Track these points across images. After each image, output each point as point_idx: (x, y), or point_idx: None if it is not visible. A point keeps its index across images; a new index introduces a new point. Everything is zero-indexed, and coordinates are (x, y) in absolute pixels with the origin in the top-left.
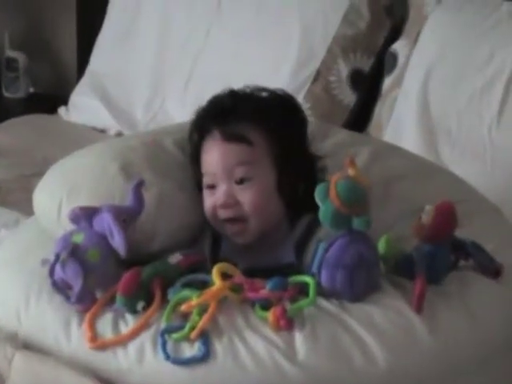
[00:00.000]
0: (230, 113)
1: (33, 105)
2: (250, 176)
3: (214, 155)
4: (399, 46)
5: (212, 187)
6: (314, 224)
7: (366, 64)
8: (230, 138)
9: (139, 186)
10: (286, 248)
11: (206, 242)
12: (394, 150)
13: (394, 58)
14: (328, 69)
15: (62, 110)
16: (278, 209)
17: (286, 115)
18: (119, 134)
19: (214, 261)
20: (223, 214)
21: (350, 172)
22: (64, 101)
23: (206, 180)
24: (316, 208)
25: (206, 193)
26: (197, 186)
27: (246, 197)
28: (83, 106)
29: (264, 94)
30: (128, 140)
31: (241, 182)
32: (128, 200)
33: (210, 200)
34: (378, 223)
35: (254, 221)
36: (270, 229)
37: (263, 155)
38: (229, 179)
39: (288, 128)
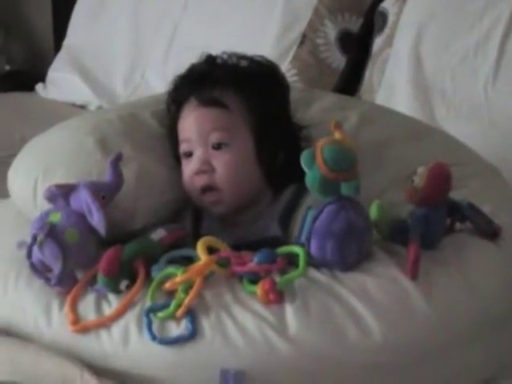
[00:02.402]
0: (207, 78)
1: (9, 83)
2: (226, 141)
3: (191, 120)
4: (389, 5)
5: (189, 155)
6: (300, 194)
7: (354, 24)
8: (206, 102)
9: (117, 160)
10: (270, 221)
11: (187, 219)
12: (385, 113)
13: (384, 17)
14: (315, 31)
15: (39, 87)
16: (255, 178)
17: (266, 82)
18: (99, 109)
19: (196, 239)
20: (198, 181)
21: (336, 136)
22: (41, 77)
23: (182, 148)
24: (302, 178)
25: (183, 162)
26: (176, 159)
27: (220, 164)
28: (61, 82)
29: (243, 61)
30: (104, 113)
31: (218, 147)
32: (106, 176)
33: (187, 168)
34: (370, 189)
35: (228, 189)
36: (249, 200)
37: (241, 121)
38: (205, 144)
39: (267, 94)
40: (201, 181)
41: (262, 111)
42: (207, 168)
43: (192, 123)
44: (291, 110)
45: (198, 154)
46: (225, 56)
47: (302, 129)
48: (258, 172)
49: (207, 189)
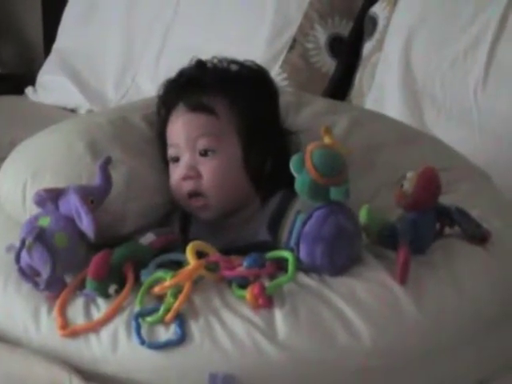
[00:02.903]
0: (196, 83)
1: None
2: (213, 148)
3: (178, 125)
4: (379, 9)
5: (176, 160)
6: (289, 199)
7: (344, 29)
8: (194, 107)
9: (106, 164)
10: (259, 226)
11: (175, 224)
12: (375, 117)
13: (374, 21)
14: (305, 35)
15: (29, 91)
16: (242, 185)
17: (255, 87)
18: (89, 113)
19: (185, 243)
20: (185, 186)
21: (326, 140)
22: (31, 81)
23: (170, 152)
24: (291, 184)
25: (171, 167)
26: (164, 162)
27: (207, 170)
28: (51, 86)
29: (233, 66)
30: (94, 117)
31: (205, 153)
32: (95, 180)
33: (174, 173)
34: (359, 193)
35: (214, 196)
36: (236, 205)
37: (228, 128)
38: (192, 150)
39: (256, 101)
40: (187, 186)
41: (250, 117)
42: (193, 174)
43: (180, 128)
44: (281, 115)
45: (185, 159)
46: (215, 61)
47: (292, 134)
48: (246, 178)
49: (194, 194)
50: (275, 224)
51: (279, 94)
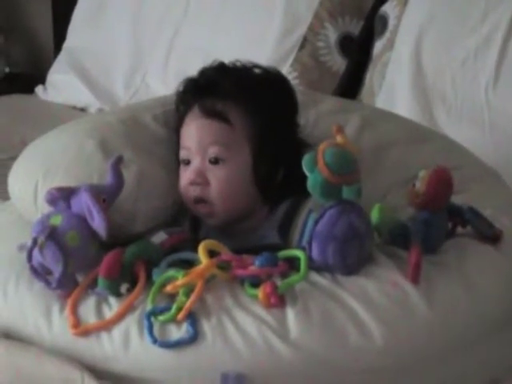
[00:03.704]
0: (213, 88)
1: (9, 85)
2: (224, 157)
3: (192, 129)
4: (389, 8)
5: (187, 163)
6: (298, 204)
7: (355, 28)
8: (209, 113)
9: (117, 163)
10: (268, 231)
11: (185, 226)
12: (386, 116)
13: (384, 20)
14: (315, 34)
15: (39, 90)
16: (249, 194)
17: (273, 98)
18: (100, 112)
19: (195, 244)
20: (192, 191)
21: (338, 139)
22: (41, 80)
23: (182, 154)
24: (300, 193)
25: (181, 168)
26: (177, 162)
27: (215, 179)
28: (61, 85)
29: (256, 71)
30: (105, 116)
31: (214, 161)
32: (106, 178)
33: (183, 176)
34: (371, 192)
35: (220, 204)
36: (242, 214)
37: (241, 136)
38: (203, 156)
39: (272, 111)
40: (194, 192)
41: (264, 127)
42: (201, 180)
43: (193, 132)
44: (300, 126)
45: (195, 164)
46: (238, 64)
47: (309, 147)
48: (254, 187)
49: (200, 200)
50: (286, 227)
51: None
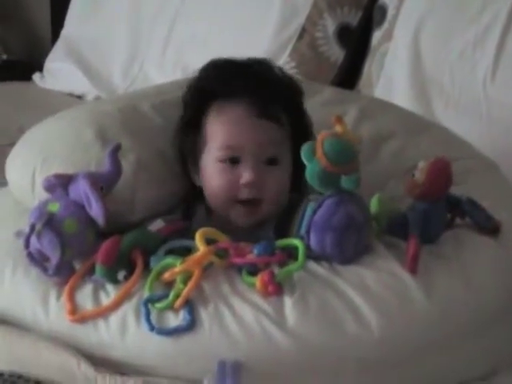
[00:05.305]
0: (265, 85)
1: (6, 73)
2: (279, 157)
3: (244, 128)
4: None
5: (232, 161)
6: (297, 202)
7: (353, 18)
8: (264, 114)
9: (115, 151)
10: (265, 230)
11: (177, 214)
12: (385, 106)
13: (383, 10)
14: (314, 25)
15: (36, 77)
16: (288, 195)
17: (300, 98)
18: (97, 100)
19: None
20: (245, 193)
21: (338, 129)
22: (39, 67)
23: (223, 153)
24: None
25: (218, 166)
26: (180, 152)
27: (272, 179)
28: (59, 72)
29: (275, 71)
30: (103, 105)
31: (270, 162)
32: (104, 166)
33: (226, 176)
34: (370, 182)
35: (268, 206)
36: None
37: (287, 138)
38: (258, 157)
39: (301, 110)
40: (248, 194)
41: (300, 127)
42: (260, 182)
43: (248, 132)
44: None
45: (251, 165)
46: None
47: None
48: (289, 188)
49: (251, 202)
50: (282, 229)
51: None
